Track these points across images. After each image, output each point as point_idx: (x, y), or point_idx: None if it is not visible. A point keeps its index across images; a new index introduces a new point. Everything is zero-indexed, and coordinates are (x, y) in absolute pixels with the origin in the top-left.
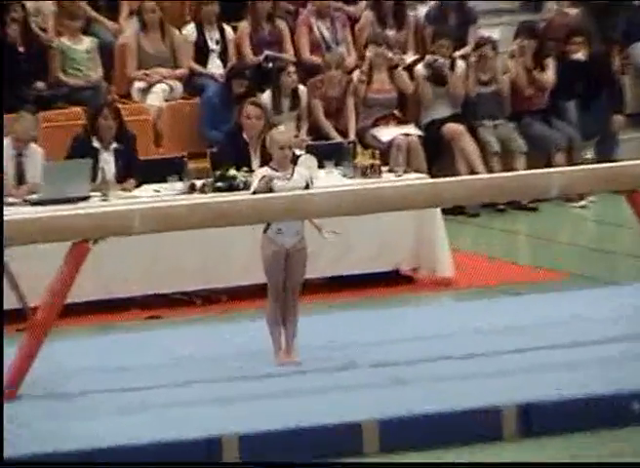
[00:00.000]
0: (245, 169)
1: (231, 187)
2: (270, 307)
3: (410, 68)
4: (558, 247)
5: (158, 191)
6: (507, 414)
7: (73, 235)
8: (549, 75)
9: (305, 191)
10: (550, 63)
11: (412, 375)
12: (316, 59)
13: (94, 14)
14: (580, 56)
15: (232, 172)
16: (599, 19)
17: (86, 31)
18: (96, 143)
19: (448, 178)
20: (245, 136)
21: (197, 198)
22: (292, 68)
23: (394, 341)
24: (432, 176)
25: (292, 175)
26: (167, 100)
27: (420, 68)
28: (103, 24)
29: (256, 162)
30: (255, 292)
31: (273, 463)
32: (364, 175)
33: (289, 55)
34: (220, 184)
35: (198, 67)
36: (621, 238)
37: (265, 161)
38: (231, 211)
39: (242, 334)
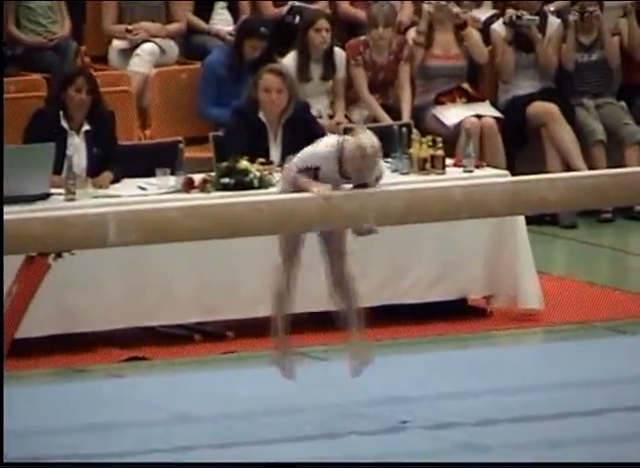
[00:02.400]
0: (261, 160)
1: (242, 185)
2: (278, 273)
3: (485, 27)
4: None
5: (144, 189)
6: None
7: (26, 247)
8: None
9: (340, 192)
10: None
11: (486, 440)
12: (359, 13)
13: None
14: None
15: (244, 163)
16: None
17: None
18: (63, 123)
19: (534, 176)
20: (261, 115)
21: (196, 199)
22: (325, 23)
23: (460, 395)
24: (514, 173)
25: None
26: (156, 66)
27: (498, 28)
28: None
29: (275, 151)
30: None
31: (273, 463)
32: (422, 169)
33: (321, 4)
34: (226, 180)
35: (199, 21)
36: None
37: (289, 148)
38: (243, 217)
39: (255, 383)
